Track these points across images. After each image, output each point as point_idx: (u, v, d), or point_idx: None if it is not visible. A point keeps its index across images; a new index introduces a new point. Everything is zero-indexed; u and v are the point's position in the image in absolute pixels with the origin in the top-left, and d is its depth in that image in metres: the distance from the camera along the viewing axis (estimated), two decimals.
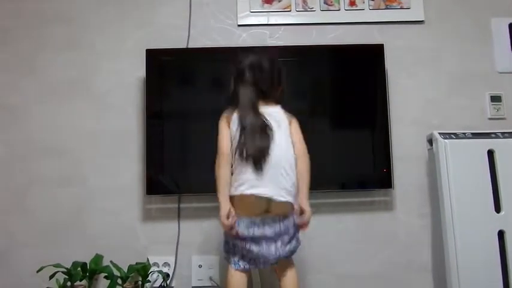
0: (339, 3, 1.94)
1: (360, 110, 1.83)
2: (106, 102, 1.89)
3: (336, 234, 1.83)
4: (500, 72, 1.95)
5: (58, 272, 1.62)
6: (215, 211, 1.79)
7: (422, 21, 1.96)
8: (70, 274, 1.62)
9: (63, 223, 1.81)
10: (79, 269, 1.66)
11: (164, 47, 1.85)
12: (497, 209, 1.63)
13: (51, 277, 1.59)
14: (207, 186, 1.75)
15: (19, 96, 1.89)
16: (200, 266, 1.80)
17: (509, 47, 1.97)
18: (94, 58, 1.91)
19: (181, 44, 1.90)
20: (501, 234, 1.61)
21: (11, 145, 1.86)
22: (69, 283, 1.62)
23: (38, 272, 1.56)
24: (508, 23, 1.98)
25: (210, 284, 1.79)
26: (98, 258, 1.74)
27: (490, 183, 1.64)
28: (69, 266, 1.65)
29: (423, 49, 1.95)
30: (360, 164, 1.79)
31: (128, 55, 1.90)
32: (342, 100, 1.84)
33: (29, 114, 1.88)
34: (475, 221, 1.61)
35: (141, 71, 1.83)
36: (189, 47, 1.90)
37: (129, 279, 1.68)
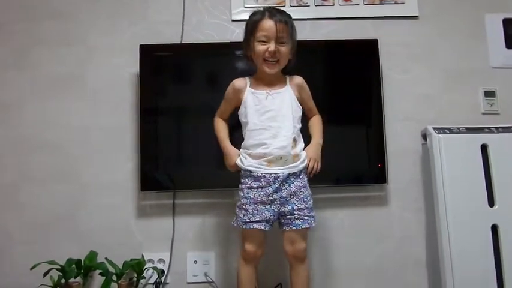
0: None
1: (354, 105, 1.83)
2: (100, 98, 1.88)
3: (331, 229, 1.83)
4: (494, 68, 1.95)
5: (52, 269, 1.61)
6: (210, 207, 1.83)
7: (416, 16, 1.96)
8: (64, 271, 1.61)
9: (57, 220, 1.81)
10: (73, 265, 1.66)
11: (158, 43, 1.84)
12: (491, 203, 1.64)
13: (45, 274, 1.59)
14: (202, 182, 1.78)
15: (12, 91, 1.87)
16: (195, 262, 1.79)
17: (503, 42, 1.97)
18: (88, 54, 1.90)
19: (175, 40, 1.89)
20: (494, 229, 1.62)
21: (4, 141, 1.85)
22: (63, 280, 1.61)
23: (31, 269, 1.56)
24: (502, 18, 1.98)
25: (205, 280, 1.79)
26: (92, 254, 1.73)
27: (484, 177, 1.65)
28: (63, 263, 1.65)
29: (417, 44, 1.95)
30: (355, 159, 1.79)
31: (122, 51, 1.89)
32: (336, 95, 1.83)
33: (22, 110, 1.86)
34: (468, 215, 1.62)
35: (135, 67, 1.82)
36: (183, 42, 1.89)
37: (124, 276, 1.68)
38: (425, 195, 1.82)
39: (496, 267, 1.60)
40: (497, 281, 1.59)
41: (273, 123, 1.46)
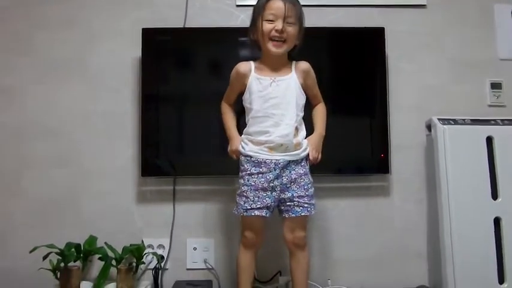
0: None
1: (358, 95, 1.80)
2: (102, 82, 1.86)
3: (332, 219, 1.82)
4: (502, 59, 1.92)
5: (51, 252, 1.61)
6: (211, 194, 1.82)
7: (424, 5, 1.93)
8: (63, 255, 1.61)
9: (58, 204, 1.80)
10: (73, 250, 1.65)
11: (160, 27, 1.81)
12: (494, 196, 1.62)
13: (44, 258, 1.58)
14: (203, 169, 1.76)
15: (14, 76, 1.85)
16: (195, 249, 1.79)
17: None
18: (90, 38, 1.87)
19: (178, 24, 1.86)
20: (497, 221, 1.61)
21: (6, 126, 1.83)
22: (62, 264, 1.61)
23: (30, 252, 1.55)
24: (511, 9, 1.95)
25: (204, 267, 1.78)
26: (92, 239, 1.73)
27: (488, 170, 1.63)
28: (63, 247, 1.64)
29: (424, 34, 1.91)
30: (358, 148, 1.78)
31: (125, 35, 1.86)
32: (341, 84, 1.81)
33: (23, 95, 1.85)
34: (471, 208, 1.61)
35: (137, 51, 1.80)
36: (186, 26, 1.86)
37: (123, 261, 1.67)
38: (428, 186, 1.81)
39: (497, 260, 1.59)
40: (498, 274, 1.59)
41: (276, 110, 1.44)
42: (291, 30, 1.44)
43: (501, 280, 1.59)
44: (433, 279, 1.76)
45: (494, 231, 1.60)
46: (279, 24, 1.42)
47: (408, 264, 1.81)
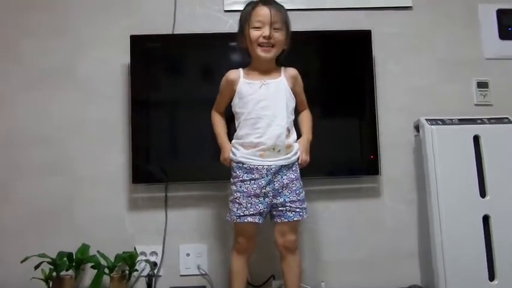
0: None
1: (347, 97, 1.82)
2: (91, 90, 1.86)
3: (323, 221, 1.83)
4: (488, 59, 1.95)
5: (43, 262, 1.60)
6: (203, 199, 1.82)
7: (410, 7, 1.95)
8: (55, 264, 1.60)
9: (49, 213, 1.79)
10: (65, 259, 1.64)
11: (149, 33, 1.82)
12: (483, 194, 1.64)
13: (36, 267, 1.58)
14: (195, 175, 1.77)
15: (3, 83, 1.85)
16: (188, 255, 1.79)
17: (497, 33, 1.97)
18: (79, 45, 1.88)
19: (166, 31, 1.87)
20: (486, 219, 1.63)
21: None
22: (54, 273, 1.61)
23: (22, 262, 1.55)
24: (496, 9, 1.98)
25: (198, 273, 1.78)
26: (84, 247, 1.72)
27: (476, 168, 1.65)
28: (55, 256, 1.63)
29: (411, 35, 1.94)
30: (347, 150, 1.79)
31: (113, 42, 1.86)
32: (329, 87, 1.82)
33: (13, 102, 1.84)
34: (460, 206, 1.63)
35: (126, 58, 1.80)
36: (174, 33, 1.87)
37: (116, 269, 1.67)
38: (418, 186, 1.82)
39: (487, 258, 1.61)
40: (488, 272, 1.60)
41: (267, 112, 1.45)
42: (278, 35, 1.46)
43: (491, 277, 1.60)
44: (425, 278, 1.77)
45: (484, 229, 1.62)
46: (266, 31, 1.44)
47: (400, 264, 1.82)
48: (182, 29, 1.88)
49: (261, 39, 1.45)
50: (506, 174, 1.65)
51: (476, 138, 1.68)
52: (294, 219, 1.44)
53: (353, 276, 1.80)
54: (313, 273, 1.79)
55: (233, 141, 1.50)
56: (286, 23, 1.48)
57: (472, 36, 1.96)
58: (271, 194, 1.43)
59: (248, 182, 1.42)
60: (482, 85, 1.93)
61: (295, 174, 1.46)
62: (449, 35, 1.95)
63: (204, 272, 1.78)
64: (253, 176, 1.42)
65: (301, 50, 1.75)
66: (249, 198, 1.42)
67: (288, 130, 1.47)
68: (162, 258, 1.79)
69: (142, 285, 1.75)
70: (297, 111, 1.56)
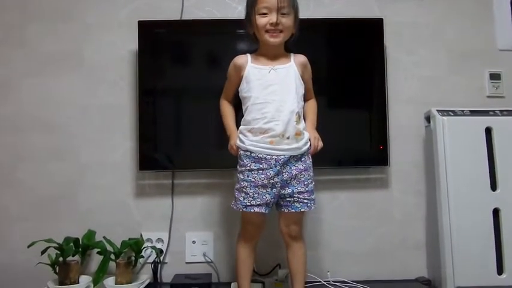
0: None
1: (357, 86, 1.79)
2: (98, 76, 1.84)
3: (331, 211, 1.82)
4: (501, 50, 1.92)
5: (50, 247, 1.60)
6: (209, 187, 1.81)
7: None
8: (62, 249, 1.60)
9: (56, 198, 1.79)
10: (71, 244, 1.64)
11: (157, 19, 1.79)
12: (493, 187, 1.62)
13: (42, 252, 1.58)
14: (201, 162, 1.76)
15: (9, 69, 1.84)
16: (194, 242, 1.79)
17: (511, 24, 1.93)
18: (85, 30, 1.85)
19: (174, 16, 1.84)
20: (496, 212, 1.61)
21: (1, 119, 1.82)
22: (61, 258, 1.61)
23: (28, 247, 1.55)
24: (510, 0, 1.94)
25: (204, 260, 1.78)
26: (90, 233, 1.72)
27: (487, 161, 1.63)
28: (61, 241, 1.64)
29: (423, 25, 1.90)
30: (356, 140, 1.77)
31: (120, 27, 1.84)
32: (339, 76, 1.80)
33: (18, 88, 1.83)
34: (470, 199, 1.60)
35: (134, 44, 1.78)
36: (183, 19, 1.84)
37: (122, 255, 1.67)
38: (427, 178, 1.80)
39: (496, 252, 1.59)
40: (497, 265, 1.59)
41: (276, 96, 1.42)
42: (286, 21, 1.42)
43: (500, 271, 1.59)
44: (432, 270, 1.76)
45: (493, 222, 1.60)
46: (273, 17, 1.40)
47: (407, 256, 1.81)
48: (190, 15, 1.85)
49: (268, 26, 1.41)
50: None
51: (488, 130, 1.65)
52: (301, 210, 1.42)
53: (359, 266, 1.80)
54: (320, 262, 1.79)
55: (241, 127, 1.47)
56: (294, 7, 1.44)
57: (485, 27, 1.92)
58: (279, 185, 1.41)
59: (256, 172, 1.40)
60: (494, 77, 1.90)
61: (304, 165, 1.43)
62: (462, 25, 1.91)
63: (209, 260, 1.78)
64: (261, 165, 1.40)
65: (311, 38, 1.73)
66: (256, 189, 1.40)
67: (299, 116, 1.43)
68: (168, 245, 1.78)
69: (148, 271, 1.76)
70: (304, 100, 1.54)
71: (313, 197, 1.44)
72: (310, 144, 1.45)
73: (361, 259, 1.81)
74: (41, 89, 1.83)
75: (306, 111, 1.53)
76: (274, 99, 1.41)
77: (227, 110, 1.55)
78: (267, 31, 1.43)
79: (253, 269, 1.54)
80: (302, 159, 1.43)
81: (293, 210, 1.42)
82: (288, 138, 1.40)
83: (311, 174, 1.45)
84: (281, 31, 1.43)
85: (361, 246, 1.81)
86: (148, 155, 1.74)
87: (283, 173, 1.41)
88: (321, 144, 1.47)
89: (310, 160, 1.46)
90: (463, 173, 1.62)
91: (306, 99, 1.54)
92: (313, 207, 1.44)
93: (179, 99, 1.78)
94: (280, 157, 1.40)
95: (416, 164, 1.83)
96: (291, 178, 1.41)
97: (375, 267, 1.80)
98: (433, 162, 1.68)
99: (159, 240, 1.78)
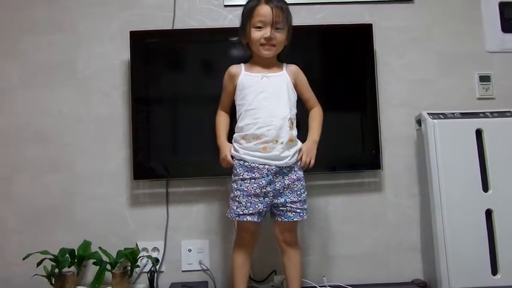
0: None
1: (348, 91, 1.81)
2: (91, 86, 1.85)
3: (326, 216, 1.83)
4: (490, 52, 1.94)
5: (45, 259, 1.60)
6: (204, 195, 1.81)
7: (411, 0, 1.93)
8: (58, 261, 1.60)
9: (51, 209, 1.79)
10: (67, 255, 1.64)
11: (149, 29, 1.80)
12: (485, 188, 1.63)
13: (38, 264, 1.58)
14: (196, 170, 1.76)
15: (2, 79, 1.84)
16: (190, 251, 1.79)
17: (499, 26, 1.96)
18: (78, 41, 1.86)
19: (166, 26, 1.85)
20: (489, 213, 1.62)
21: None
22: (57, 270, 1.61)
23: (24, 259, 1.54)
24: (498, 2, 1.96)
25: (200, 268, 1.78)
26: (86, 244, 1.72)
27: (478, 162, 1.64)
28: (57, 252, 1.63)
29: (412, 29, 1.92)
30: (349, 145, 1.78)
31: (112, 37, 1.86)
32: (330, 81, 1.81)
33: (12, 99, 1.83)
34: (463, 200, 1.62)
35: (126, 54, 1.79)
36: (174, 28, 1.86)
37: (118, 265, 1.66)
38: (420, 180, 1.82)
39: (490, 252, 1.60)
40: (491, 266, 1.60)
41: (267, 103, 1.44)
42: (280, 36, 1.46)
43: (494, 271, 1.60)
44: (427, 272, 1.77)
45: (486, 223, 1.61)
46: (267, 32, 1.43)
47: (403, 259, 1.82)
48: (182, 23, 1.87)
49: (262, 40, 1.45)
50: (509, 168, 1.64)
51: (478, 132, 1.67)
52: (294, 219, 1.44)
53: (355, 270, 1.80)
54: (316, 267, 1.79)
55: (235, 135, 1.48)
56: (288, 22, 1.47)
57: (474, 30, 1.94)
58: (271, 194, 1.42)
59: (248, 181, 1.41)
60: (484, 79, 1.91)
61: (297, 175, 1.45)
62: (451, 28, 1.93)
63: (205, 268, 1.78)
64: (253, 175, 1.41)
65: (302, 44, 1.75)
66: (249, 198, 1.41)
67: (291, 122, 1.45)
68: (163, 254, 1.78)
69: (144, 281, 1.75)
70: (307, 110, 1.56)
71: (305, 206, 1.46)
72: (301, 158, 1.46)
73: (356, 263, 1.81)
74: (35, 100, 1.83)
75: (309, 120, 1.55)
76: (265, 105, 1.43)
77: (221, 121, 1.55)
78: (261, 44, 1.45)
79: (249, 275, 1.54)
80: (294, 169, 1.45)
81: (286, 220, 1.44)
82: (281, 143, 1.41)
83: (303, 184, 1.46)
84: (274, 45, 1.46)
85: (356, 250, 1.82)
86: (142, 164, 1.75)
87: (276, 183, 1.42)
88: (312, 162, 1.48)
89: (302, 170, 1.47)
90: (455, 175, 1.63)
91: (309, 108, 1.56)
92: (305, 217, 1.46)
93: (172, 108, 1.79)
94: (272, 167, 1.41)
95: (409, 167, 1.85)
96: (284, 188, 1.43)
97: (371, 271, 1.81)
98: (425, 165, 1.70)
99: (155, 249, 1.78)
